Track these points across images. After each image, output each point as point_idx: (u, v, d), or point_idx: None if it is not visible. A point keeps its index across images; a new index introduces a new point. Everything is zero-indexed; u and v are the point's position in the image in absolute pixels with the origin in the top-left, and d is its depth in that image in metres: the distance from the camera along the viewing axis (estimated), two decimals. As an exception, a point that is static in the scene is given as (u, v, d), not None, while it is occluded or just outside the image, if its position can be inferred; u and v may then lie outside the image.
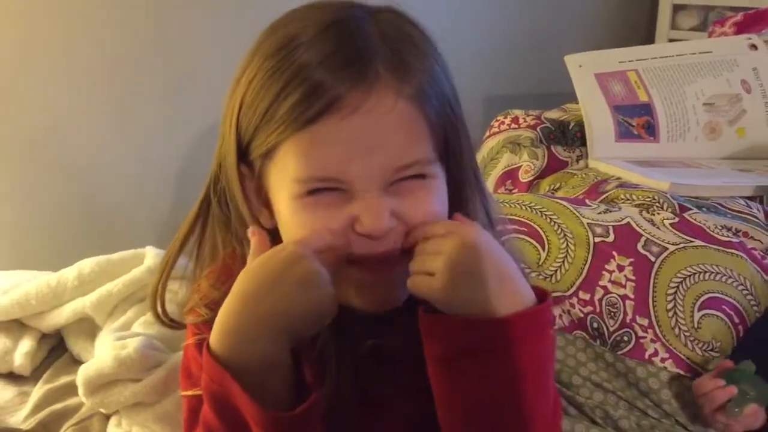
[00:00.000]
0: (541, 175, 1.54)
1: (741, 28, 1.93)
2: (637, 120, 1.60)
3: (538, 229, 1.20)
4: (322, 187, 0.61)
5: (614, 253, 1.16)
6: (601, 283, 1.15)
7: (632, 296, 1.13)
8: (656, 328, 1.12)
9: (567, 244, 1.18)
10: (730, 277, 1.14)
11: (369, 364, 0.67)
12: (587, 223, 1.20)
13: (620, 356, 1.11)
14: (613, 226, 1.20)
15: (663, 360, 1.11)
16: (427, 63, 0.63)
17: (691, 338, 1.11)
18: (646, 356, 1.11)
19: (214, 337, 0.60)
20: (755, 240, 1.23)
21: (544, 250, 1.18)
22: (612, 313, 1.13)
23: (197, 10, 1.70)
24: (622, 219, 1.21)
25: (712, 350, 1.11)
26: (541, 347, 0.62)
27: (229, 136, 0.65)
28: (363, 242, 0.62)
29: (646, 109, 1.60)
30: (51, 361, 1.27)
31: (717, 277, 1.14)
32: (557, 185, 1.48)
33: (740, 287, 1.14)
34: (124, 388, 1.09)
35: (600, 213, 1.23)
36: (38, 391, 1.18)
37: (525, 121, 1.67)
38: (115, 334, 1.18)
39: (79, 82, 1.61)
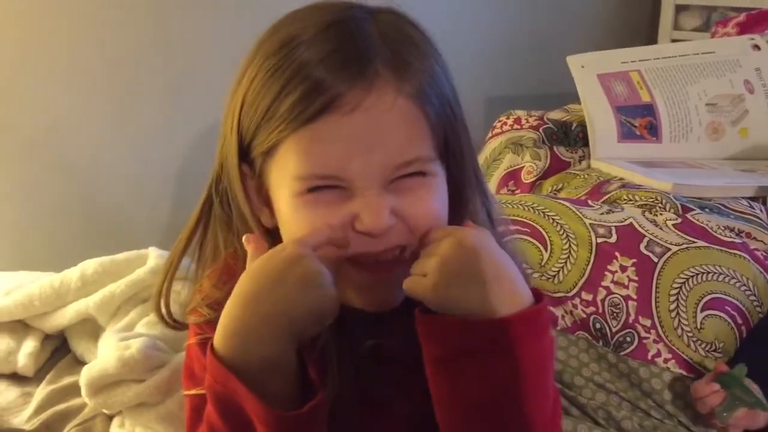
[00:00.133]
0: (544, 175, 1.54)
1: (744, 29, 1.92)
2: (639, 120, 1.59)
3: (541, 230, 1.19)
4: (322, 184, 0.61)
5: (617, 253, 1.16)
6: (603, 283, 1.14)
7: (635, 297, 1.13)
8: (659, 328, 1.11)
9: (569, 245, 1.17)
10: (732, 277, 1.14)
11: (369, 364, 0.67)
12: (590, 224, 1.20)
13: (623, 357, 1.11)
14: (615, 226, 1.19)
15: (666, 361, 1.10)
16: (427, 63, 0.63)
17: (694, 339, 1.11)
18: (649, 357, 1.11)
19: (218, 339, 0.60)
20: (758, 241, 1.22)
21: (546, 250, 1.18)
22: (615, 314, 1.13)
23: (197, 10, 1.70)
24: (625, 219, 1.21)
25: (714, 351, 1.10)
26: (541, 347, 0.61)
27: (230, 135, 0.65)
28: (362, 240, 0.62)
29: (649, 109, 1.60)
30: (54, 361, 1.26)
31: (720, 278, 1.13)
32: (560, 186, 1.48)
33: (743, 288, 1.14)
34: (127, 389, 1.09)
35: (602, 213, 1.23)
36: (41, 391, 1.18)
37: (527, 122, 1.67)
38: (119, 334, 1.18)
39: (79, 82, 1.61)
